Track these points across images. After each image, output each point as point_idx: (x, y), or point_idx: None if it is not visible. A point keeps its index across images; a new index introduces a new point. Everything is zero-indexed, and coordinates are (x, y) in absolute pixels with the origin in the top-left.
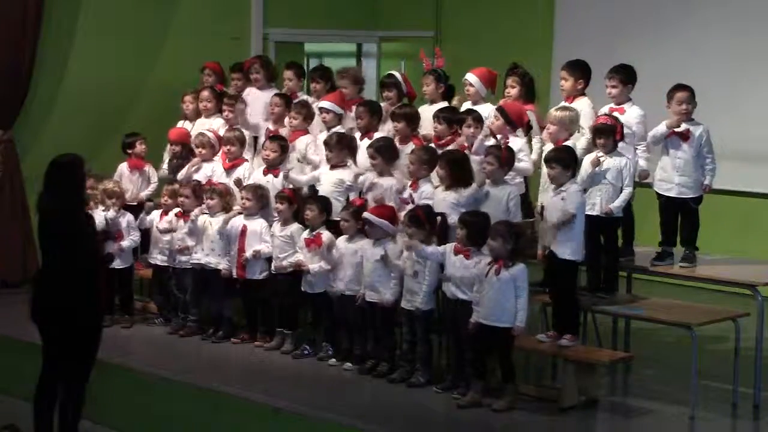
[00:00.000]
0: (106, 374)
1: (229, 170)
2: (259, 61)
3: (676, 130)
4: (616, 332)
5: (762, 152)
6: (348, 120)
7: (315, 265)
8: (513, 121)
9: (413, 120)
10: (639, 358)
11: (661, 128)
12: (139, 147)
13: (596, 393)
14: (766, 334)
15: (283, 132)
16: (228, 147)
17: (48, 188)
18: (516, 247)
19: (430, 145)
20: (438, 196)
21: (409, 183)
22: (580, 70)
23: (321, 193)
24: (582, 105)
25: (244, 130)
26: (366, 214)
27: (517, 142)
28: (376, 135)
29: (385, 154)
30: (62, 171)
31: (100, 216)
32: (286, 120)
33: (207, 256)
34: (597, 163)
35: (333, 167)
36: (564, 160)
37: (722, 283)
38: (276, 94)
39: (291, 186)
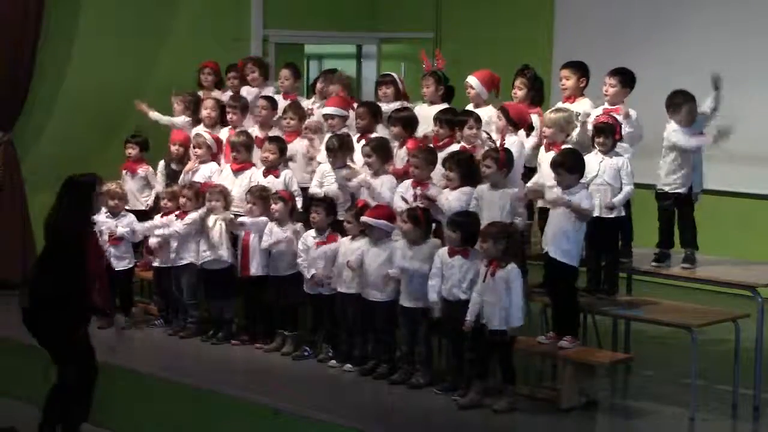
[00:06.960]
0: (106, 376)
1: (237, 171)
2: (252, 59)
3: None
4: (616, 333)
5: (762, 152)
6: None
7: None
8: (514, 122)
9: (410, 124)
10: (639, 360)
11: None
12: (130, 151)
13: (596, 394)
14: (766, 335)
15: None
16: (234, 153)
17: (61, 205)
18: (508, 247)
19: (429, 146)
20: (450, 196)
21: (409, 183)
22: (582, 70)
23: (329, 193)
24: (584, 105)
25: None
26: (363, 218)
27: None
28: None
29: (379, 153)
30: (78, 191)
31: (109, 222)
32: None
33: (210, 257)
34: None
35: (337, 168)
36: (569, 165)
37: (722, 285)
38: (263, 97)
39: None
